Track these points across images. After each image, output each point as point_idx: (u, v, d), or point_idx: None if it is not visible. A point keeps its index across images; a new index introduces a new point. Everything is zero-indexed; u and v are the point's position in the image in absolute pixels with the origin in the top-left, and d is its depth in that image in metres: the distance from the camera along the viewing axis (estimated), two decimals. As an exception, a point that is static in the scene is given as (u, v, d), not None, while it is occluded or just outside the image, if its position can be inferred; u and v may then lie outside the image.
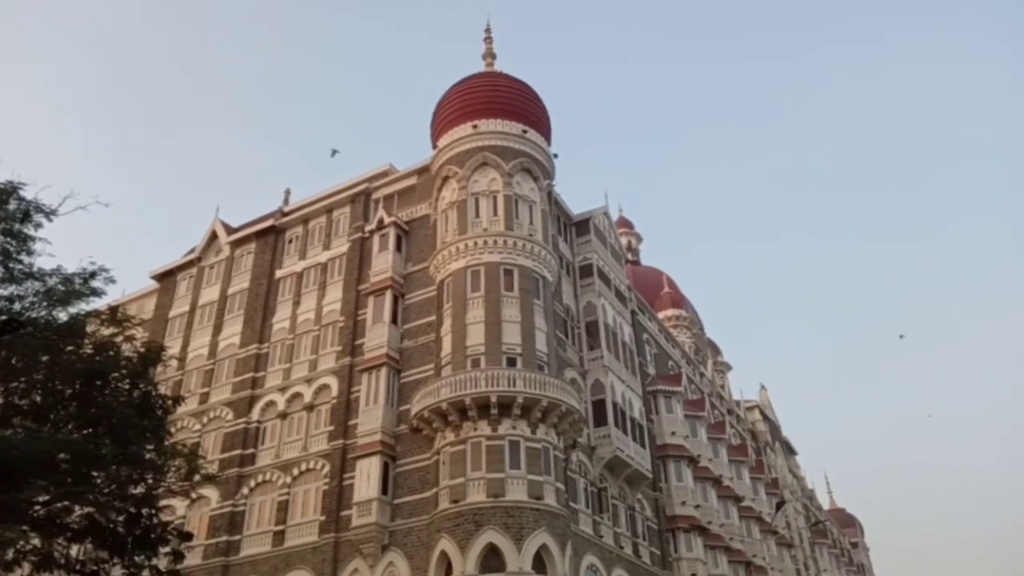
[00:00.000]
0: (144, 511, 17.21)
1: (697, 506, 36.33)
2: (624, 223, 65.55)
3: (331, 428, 29.04)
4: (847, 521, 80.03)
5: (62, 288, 16.35)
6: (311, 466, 28.82)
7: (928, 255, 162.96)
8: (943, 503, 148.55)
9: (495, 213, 29.28)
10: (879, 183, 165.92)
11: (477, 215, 29.28)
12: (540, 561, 23.38)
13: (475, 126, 30.95)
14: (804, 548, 55.99)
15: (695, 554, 34.88)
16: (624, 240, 58.56)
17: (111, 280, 17.03)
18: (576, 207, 36.05)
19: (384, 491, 26.20)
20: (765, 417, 59.23)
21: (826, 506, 77.25)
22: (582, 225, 36.02)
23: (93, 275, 16.57)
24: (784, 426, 65.79)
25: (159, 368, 20.91)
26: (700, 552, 35.24)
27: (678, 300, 58.70)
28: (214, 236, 38.51)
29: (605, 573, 28.04)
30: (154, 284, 39.77)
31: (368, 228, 32.80)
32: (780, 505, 42.76)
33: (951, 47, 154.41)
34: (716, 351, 62.29)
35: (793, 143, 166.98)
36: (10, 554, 15.16)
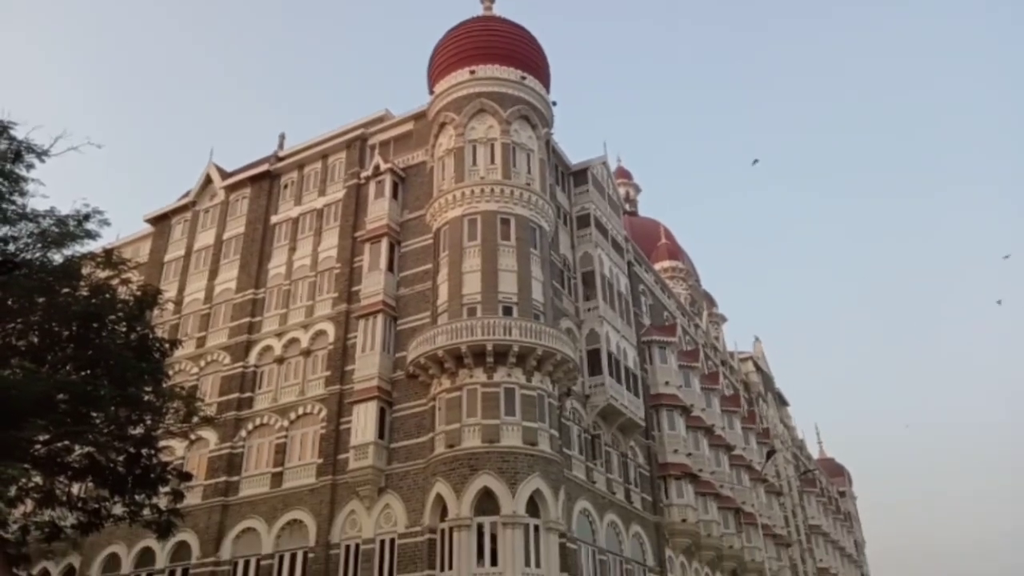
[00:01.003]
0: (143, 451, 17.45)
1: (689, 454, 36.96)
2: (622, 173, 65.13)
3: (328, 373, 29.29)
4: (835, 471, 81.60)
5: (56, 230, 16.27)
6: (308, 410, 29.15)
7: (926, 211, 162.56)
8: (931, 455, 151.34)
9: (492, 161, 29.02)
10: (879, 139, 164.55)
11: (474, 163, 29.02)
12: (533, 505, 23.86)
13: (472, 72, 30.45)
14: (793, 496, 57.19)
15: (686, 500, 35.62)
16: (622, 191, 58.25)
17: (105, 223, 16.95)
18: (574, 156, 35.80)
19: (381, 435, 26.57)
20: (758, 369, 59.84)
21: (816, 456, 78.67)
22: (580, 175, 35.77)
23: (87, 217, 16.47)
24: (777, 378, 66.57)
25: (155, 311, 20.96)
26: (691, 498, 35.99)
27: (675, 251, 58.68)
28: (208, 180, 38.20)
29: (597, 517, 28.66)
30: (149, 228, 39.59)
31: (364, 174, 32.54)
32: (770, 454, 43.52)
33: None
34: (711, 303, 62.56)
35: (795, 96, 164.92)
36: (12, 491, 15.41)
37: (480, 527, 23.27)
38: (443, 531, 23.85)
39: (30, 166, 16.29)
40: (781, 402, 67.45)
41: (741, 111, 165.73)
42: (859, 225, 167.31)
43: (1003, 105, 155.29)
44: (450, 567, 23.06)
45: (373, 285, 29.27)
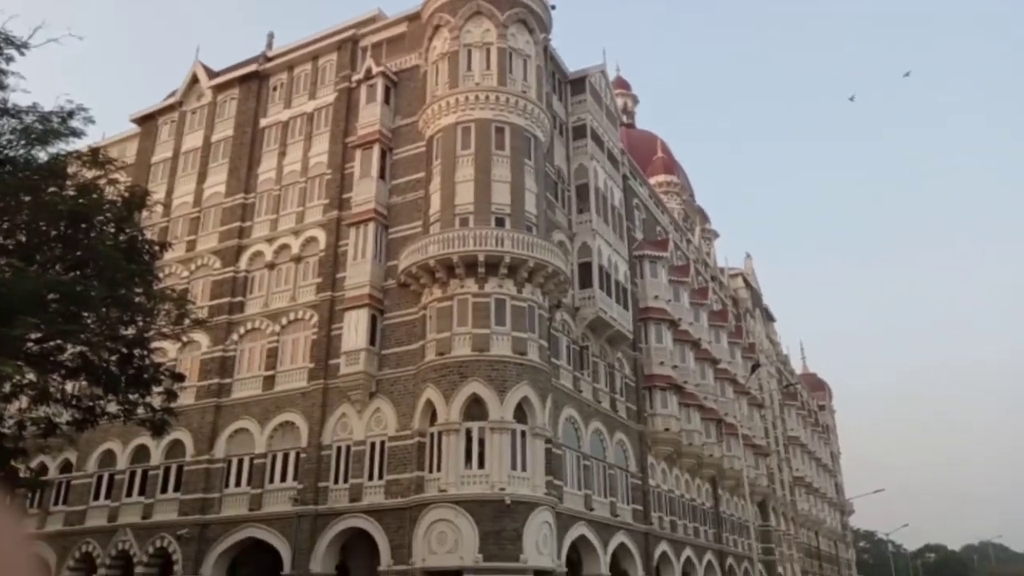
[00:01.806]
0: (136, 352, 17.61)
1: (674, 367, 37.68)
2: (621, 83, 63.68)
3: (319, 280, 29.33)
4: (817, 385, 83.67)
5: (39, 127, 15.82)
6: (299, 316, 29.34)
7: (925, 126, 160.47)
8: (913, 373, 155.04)
9: (488, 67, 28.19)
10: (880, 61, 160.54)
11: (469, 68, 28.19)
12: (521, 412, 24.43)
13: (469, -30, 29.14)
14: (774, 409, 58.80)
15: (669, 411, 36.55)
16: (620, 101, 56.98)
17: (90, 120, 16.50)
18: (572, 64, 34.83)
19: (372, 342, 26.87)
20: (748, 285, 60.34)
21: (799, 371, 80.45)
22: (577, 83, 34.90)
23: (71, 114, 16.00)
24: (765, 294, 67.25)
25: (144, 214, 20.73)
26: (674, 409, 36.93)
27: (670, 166, 58.07)
28: (195, 80, 37.09)
29: (582, 424, 29.44)
30: (135, 128, 38.69)
31: (355, 78, 31.63)
32: (755, 368, 44.42)
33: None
34: (704, 218, 62.41)
35: (796, 22, 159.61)
36: (7, 388, 15.60)
37: (469, 432, 23.88)
38: (432, 435, 24.47)
39: (9, 59, 15.72)
40: (768, 318, 68.37)
41: (748, 21, 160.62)
42: (855, 146, 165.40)
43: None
44: (439, 469, 23.78)
45: (364, 193, 28.94)
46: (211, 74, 36.93)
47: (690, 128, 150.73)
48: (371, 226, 28.24)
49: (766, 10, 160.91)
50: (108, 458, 31.23)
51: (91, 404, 17.62)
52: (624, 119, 56.62)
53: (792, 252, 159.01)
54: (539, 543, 23.35)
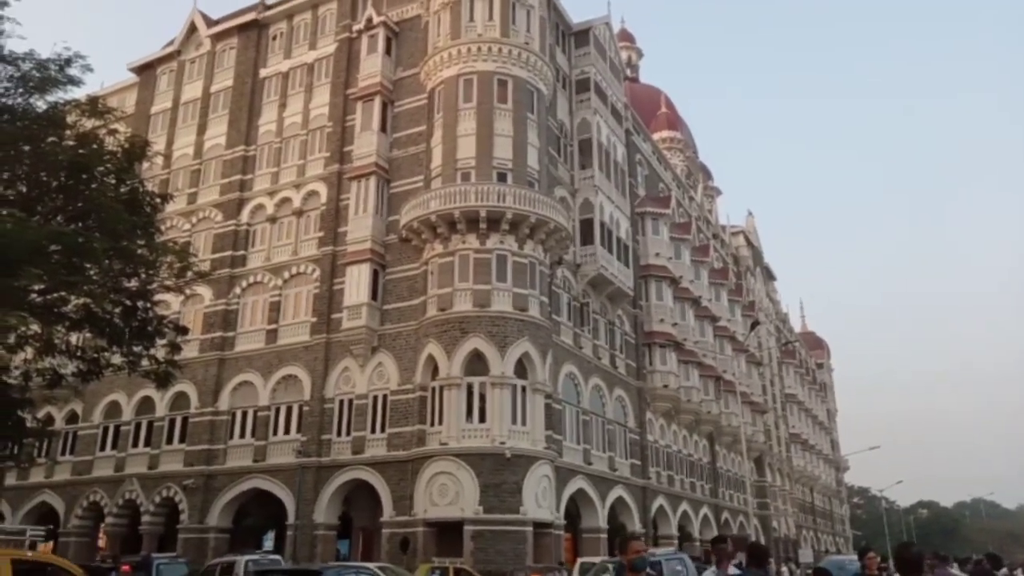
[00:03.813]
0: (139, 304, 17.61)
1: (674, 324, 37.82)
2: (625, 36, 62.65)
3: (321, 234, 29.27)
4: (815, 344, 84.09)
5: (37, 74, 15.53)
6: (301, 270, 29.35)
7: (931, 91, 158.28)
8: (912, 335, 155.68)
9: (490, 17, 27.69)
10: (892, 28, 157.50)
11: (471, 19, 27.68)
12: (521, 367, 24.61)
13: (473, -83, 28.40)
14: (772, 367, 59.20)
15: (668, 367, 36.81)
16: (624, 55, 56.15)
17: (88, 68, 16.19)
18: (576, 15, 34.20)
19: (374, 297, 26.94)
20: (749, 243, 60.24)
21: (798, 329, 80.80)
22: (581, 36, 34.32)
23: (69, 62, 15.70)
24: (766, 252, 67.20)
25: (144, 165, 20.57)
26: (673, 366, 37.19)
27: (674, 122, 57.47)
28: (193, 28, 36.48)
29: (582, 380, 29.68)
30: (133, 78, 38.17)
31: (356, 28, 31.11)
32: (754, 326, 44.57)
33: None
34: (707, 175, 62.03)
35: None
36: (12, 338, 15.65)
37: (470, 386, 24.09)
38: (434, 389, 24.70)
39: (4, 3, 15.38)
40: (769, 276, 68.42)
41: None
42: (858, 105, 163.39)
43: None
44: (440, 423, 24.06)
45: (366, 146, 28.69)
46: (210, 23, 36.30)
47: (694, 84, 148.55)
48: (372, 180, 28.06)
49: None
50: (114, 409, 31.57)
51: (96, 356, 17.65)
52: (628, 73, 55.78)
53: (794, 210, 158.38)
54: (538, 496, 23.75)
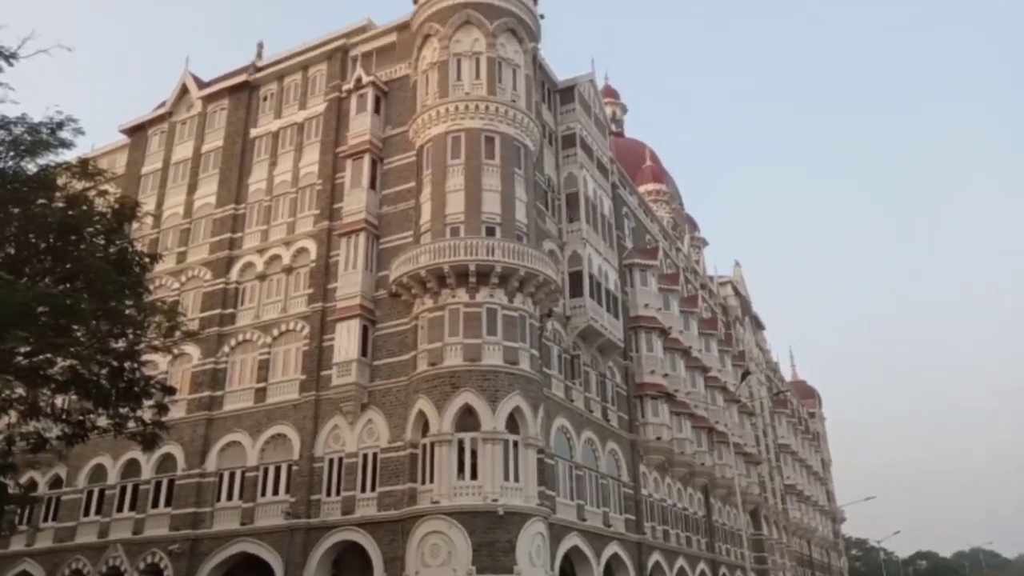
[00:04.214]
0: (126, 365, 17.48)
1: (665, 375, 37.72)
2: (609, 92, 64.01)
3: (310, 291, 29.25)
4: (807, 392, 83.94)
5: (28, 138, 15.74)
6: (291, 327, 29.23)
7: (909, 139, 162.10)
8: (901, 383, 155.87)
9: (477, 76, 28.30)
10: (871, 85, 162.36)
11: (459, 78, 28.28)
12: (513, 422, 24.39)
13: (459, -20, 29.27)
14: (764, 416, 58.94)
15: (661, 419, 36.57)
16: (608, 110, 57.25)
17: (79, 131, 16.43)
18: (561, 73, 34.98)
19: (363, 353, 26.79)
20: (737, 293, 60.58)
21: (788, 378, 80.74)
22: (566, 92, 35.05)
23: (60, 125, 15.93)
24: (754, 302, 67.54)
25: (134, 225, 20.65)
26: (666, 417, 36.95)
27: (659, 174, 58.35)
28: (184, 90, 37.03)
29: (575, 434, 29.41)
30: (124, 139, 38.55)
31: (346, 87, 31.67)
32: (745, 376, 44.48)
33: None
34: (693, 226, 62.73)
35: (787, 39, 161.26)
36: (-4, 402, 15.47)
37: (461, 442, 23.81)
38: (425, 446, 24.39)
39: (-3, 69, 15.61)
40: (758, 325, 68.64)
41: (735, 35, 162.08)
42: (840, 156, 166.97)
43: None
44: (431, 480, 23.68)
45: (355, 203, 28.93)
46: (201, 84, 36.88)
47: (679, 137, 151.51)
48: (362, 236, 28.21)
49: (756, 22, 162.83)
50: (99, 473, 30.93)
51: (81, 418, 17.46)
52: (613, 128, 56.85)
53: (781, 259, 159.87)
54: (532, 554, 23.27)
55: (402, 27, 31.64)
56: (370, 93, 30.45)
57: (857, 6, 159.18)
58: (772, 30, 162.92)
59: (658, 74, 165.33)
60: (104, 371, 17.07)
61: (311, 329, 28.44)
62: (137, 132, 37.97)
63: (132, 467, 30.09)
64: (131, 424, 17.91)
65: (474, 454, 23.66)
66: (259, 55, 36.68)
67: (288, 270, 30.27)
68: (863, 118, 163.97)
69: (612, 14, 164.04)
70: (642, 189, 52.39)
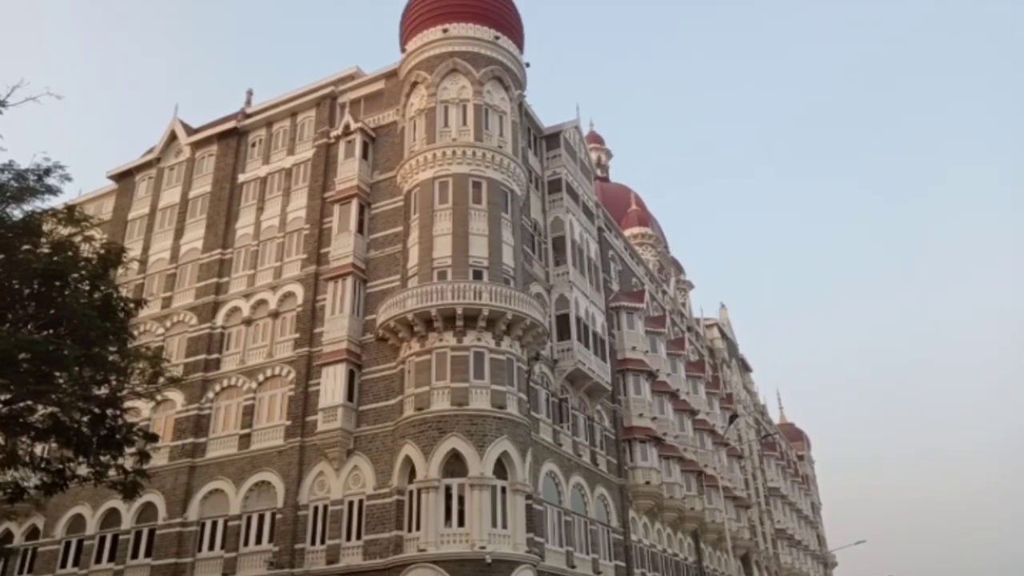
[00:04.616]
0: (108, 412, 17.23)
1: (654, 418, 37.59)
2: (594, 138, 64.95)
3: (296, 336, 29.11)
4: (795, 435, 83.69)
5: (15, 184, 15.75)
6: (276, 372, 29.00)
7: (897, 184, 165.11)
8: (889, 424, 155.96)
9: (464, 123, 28.72)
10: (854, 127, 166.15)
11: (446, 124, 28.69)
12: (501, 467, 24.15)
13: (445, 30, 29.94)
14: (753, 459, 58.64)
15: (650, 463, 36.31)
16: (594, 156, 58.11)
17: (67, 178, 16.45)
18: (547, 120, 35.57)
19: (350, 398, 26.58)
20: (723, 335, 60.80)
21: (776, 421, 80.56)
22: (552, 138, 35.59)
23: (48, 172, 15.97)
24: (741, 344, 67.75)
25: (120, 270, 20.57)
26: (654, 461, 36.70)
27: (644, 218, 58.89)
28: (173, 137, 37.30)
29: (563, 479, 29.13)
30: (112, 184, 38.64)
31: (334, 133, 32.01)
32: (733, 419, 44.45)
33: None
34: (679, 269, 63.14)
35: (768, 83, 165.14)
36: (-27, 452, 15.16)
37: (448, 488, 23.52)
38: (411, 492, 24.07)
39: (-14, 118, 15.69)
40: (744, 368, 68.73)
41: (721, 84, 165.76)
42: (828, 197, 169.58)
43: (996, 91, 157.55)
44: (418, 528, 23.32)
45: (342, 247, 29.01)
46: (190, 131, 37.17)
47: (664, 180, 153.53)
48: (349, 280, 28.22)
49: (742, 63, 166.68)
50: (77, 523, 30.23)
51: (61, 467, 17.12)
52: (598, 173, 57.59)
53: (767, 301, 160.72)
54: (521, 603, 22.83)
55: (390, 75, 32.17)
56: (358, 139, 30.78)
57: (845, 50, 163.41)
58: (758, 73, 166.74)
59: (643, 119, 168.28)
60: (85, 418, 16.82)
61: (297, 374, 28.23)
62: (125, 178, 38.09)
63: (112, 517, 29.45)
64: (112, 472, 17.57)
65: (461, 500, 23.36)
66: (248, 102, 37.10)
67: (274, 315, 30.16)
68: (853, 159, 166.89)
69: (598, 61, 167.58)
70: (628, 233, 52.87)
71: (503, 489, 23.93)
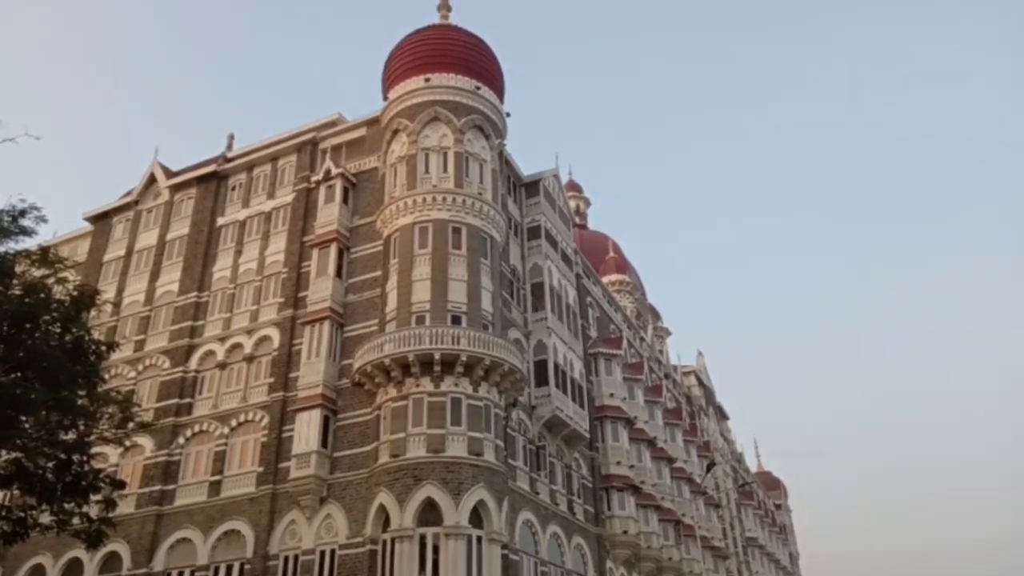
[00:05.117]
0: (75, 458, 16.81)
1: (631, 466, 37.36)
2: (573, 187, 65.73)
3: (271, 380, 28.75)
4: (772, 484, 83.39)
5: (-10, 226, 15.62)
6: (250, 417, 28.54)
7: (869, 231, 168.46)
8: (867, 473, 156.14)
9: (445, 170, 29.01)
10: (825, 170, 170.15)
11: (427, 171, 28.97)
12: (477, 516, 23.80)
13: (427, 79, 30.44)
14: (731, 508, 58.27)
15: (627, 512, 35.96)
16: (572, 204, 58.68)
17: (42, 219, 16.33)
18: (527, 168, 36.03)
19: (324, 444, 26.18)
20: (700, 383, 60.93)
21: (753, 469, 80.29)
22: (532, 186, 36.01)
23: (23, 213, 15.85)
24: (718, 392, 67.85)
25: (92, 313, 20.31)
26: (632, 510, 36.35)
27: (622, 265, 59.38)
28: (152, 179, 37.23)
29: (540, 528, 28.73)
30: (88, 226, 38.35)
31: (314, 179, 32.16)
32: (710, 467, 44.29)
33: (927, 34, 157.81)
34: (656, 316, 63.50)
35: (736, 132, 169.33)
36: (-68, 498, 14.67)
37: (423, 538, 23.10)
38: (385, 542, 23.59)
39: (-38, 159, 15.61)
40: (722, 416, 68.76)
41: (698, 132, 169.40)
42: (802, 243, 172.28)
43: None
44: (391, 578, 22.78)
45: (320, 291, 28.90)
46: (169, 174, 37.16)
47: (643, 227, 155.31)
48: (326, 324, 28.05)
49: (718, 113, 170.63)
50: (37, 573, 29.17)
51: (23, 515, 16.60)
52: (577, 220, 58.09)
53: (744, 349, 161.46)
54: (496, 657, 22.27)
55: (371, 122, 32.52)
56: (339, 184, 30.94)
57: (816, 102, 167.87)
58: (740, 123, 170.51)
59: (622, 168, 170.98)
60: (51, 464, 16.38)
61: (271, 419, 27.80)
62: (101, 220, 37.85)
63: (74, 567, 28.46)
64: (76, 521, 17.06)
65: (436, 550, 22.93)
66: (229, 146, 37.24)
67: (250, 359, 29.81)
68: (840, 198, 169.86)
69: (579, 112, 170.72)
70: (606, 280, 53.21)
71: (479, 538, 23.55)
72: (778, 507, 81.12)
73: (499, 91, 32.42)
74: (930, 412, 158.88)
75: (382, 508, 23.87)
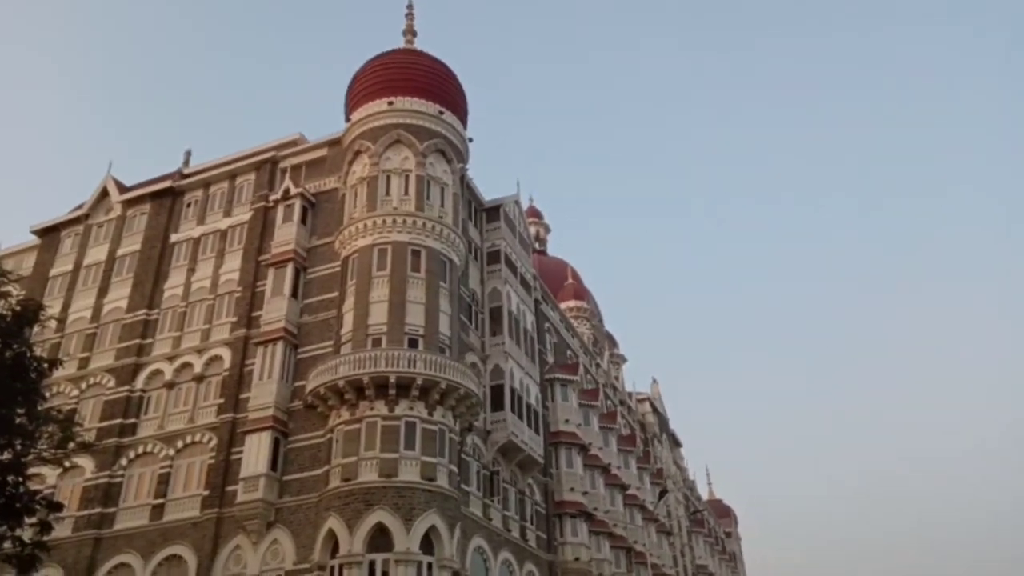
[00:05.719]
0: (10, 478, 16.18)
1: (585, 492, 37.35)
2: (533, 213, 66.20)
3: (221, 401, 28.14)
4: (723, 511, 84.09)
5: (-71, 237, 15.11)
6: (197, 439, 27.85)
7: (829, 247, 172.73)
8: (817, 500, 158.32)
9: (406, 192, 29.00)
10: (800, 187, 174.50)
11: (387, 193, 28.92)
12: (428, 542, 23.51)
13: (391, 103, 30.51)
14: (682, 536, 58.56)
15: (580, 539, 35.88)
16: (533, 230, 59.05)
17: (-13, 232, 15.91)
18: (488, 193, 36.21)
19: (273, 467, 25.66)
20: (655, 410, 61.40)
21: (705, 497, 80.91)
22: (492, 211, 36.17)
23: (-34, 225, 15.41)
24: (671, 419, 68.41)
25: (36, 328, 19.69)
26: (584, 537, 36.29)
27: (580, 292, 59.81)
28: (105, 193, 36.42)
29: (492, 555, 28.48)
30: (35, 240, 37.25)
31: (273, 197, 31.84)
32: (663, 494, 44.56)
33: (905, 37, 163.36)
34: (613, 343, 63.98)
35: (696, 155, 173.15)
36: None
37: (372, 564, 22.71)
38: (333, 568, 23.13)
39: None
40: (675, 443, 69.30)
41: (664, 158, 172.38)
42: (761, 270, 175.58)
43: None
44: (339, 606, 22.32)
45: (275, 311, 28.49)
46: (123, 188, 36.41)
47: (600, 255, 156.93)
48: (280, 345, 27.62)
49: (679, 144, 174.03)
50: (-38, 600, 27.85)
51: (-48, 538, 15.89)
52: (536, 246, 58.46)
53: (698, 376, 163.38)
54: None
55: (333, 143, 32.40)
56: (297, 203, 30.67)
57: (776, 128, 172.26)
58: (688, 151, 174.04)
59: (581, 195, 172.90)
60: (-16, 485, 15.76)
61: (219, 441, 27.17)
62: (50, 233, 36.81)
63: (4, 594, 27.25)
64: (7, 544, 16.38)
65: (386, 577, 22.52)
66: (186, 162, 36.68)
67: (199, 379, 29.16)
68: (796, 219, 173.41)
69: (540, 137, 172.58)
70: (564, 305, 53.49)
71: (429, 565, 23.24)
72: (728, 535, 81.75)
73: (462, 116, 32.63)
74: (891, 441, 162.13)
75: (331, 533, 23.43)
